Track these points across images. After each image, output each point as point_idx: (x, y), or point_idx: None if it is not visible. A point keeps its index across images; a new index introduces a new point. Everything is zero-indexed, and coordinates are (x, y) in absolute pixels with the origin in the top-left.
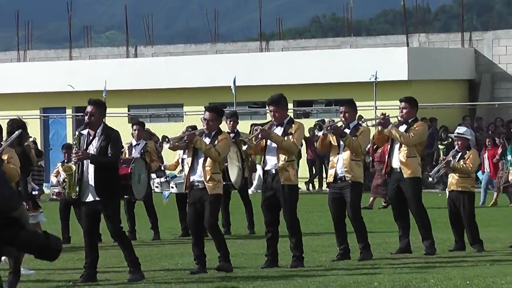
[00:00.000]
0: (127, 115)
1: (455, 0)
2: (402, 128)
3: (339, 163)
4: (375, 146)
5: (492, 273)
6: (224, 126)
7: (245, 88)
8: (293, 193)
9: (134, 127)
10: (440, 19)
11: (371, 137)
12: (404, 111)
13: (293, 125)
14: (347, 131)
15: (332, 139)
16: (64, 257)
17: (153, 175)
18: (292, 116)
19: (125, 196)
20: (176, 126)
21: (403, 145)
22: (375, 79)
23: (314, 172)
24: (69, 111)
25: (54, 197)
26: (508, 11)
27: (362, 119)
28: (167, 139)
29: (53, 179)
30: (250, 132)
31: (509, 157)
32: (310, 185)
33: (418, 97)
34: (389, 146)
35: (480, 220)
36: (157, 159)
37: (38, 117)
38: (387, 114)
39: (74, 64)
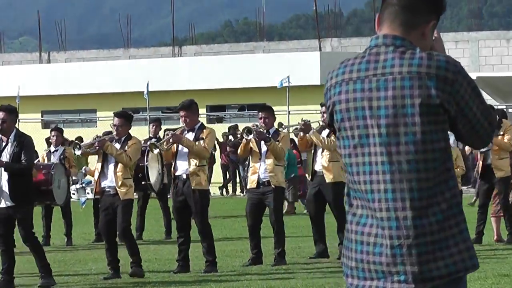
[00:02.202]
0: (40, 120)
1: (367, 4)
2: (325, 132)
3: (262, 168)
4: None
5: None
6: (146, 131)
7: (158, 93)
8: (204, 197)
9: (53, 133)
10: (352, 23)
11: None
12: (325, 115)
13: (204, 130)
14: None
15: (253, 145)
16: None
17: None
18: (205, 121)
19: (47, 202)
20: (90, 131)
21: (325, 150)
22: (288, 83)
23: (228, 177)
24: None
25: None
26: None
27: (283, 126)
28: (78, 146)
29: None
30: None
31: None
32: (224, 190)
33: None
34: (313, 151)
35: None
36: (75, 165)
37: None
38: (307, 120)
39: None
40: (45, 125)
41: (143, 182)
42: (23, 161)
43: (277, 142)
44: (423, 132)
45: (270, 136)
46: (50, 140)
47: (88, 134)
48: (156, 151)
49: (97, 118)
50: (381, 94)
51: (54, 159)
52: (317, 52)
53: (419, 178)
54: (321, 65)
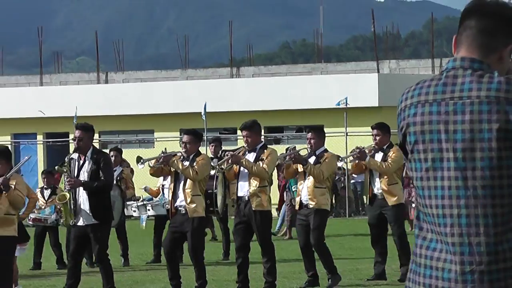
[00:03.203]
0: (98, 141)
1: (425, 26)
2: (379, 156)
3: (304, 190)
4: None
5: None
6: (203, 152)
7: (215, 114)
8: (266, 218)
9: (111, 153)
10: (410, 45)
11: (340, 164)
12: (377, 138)
13: (265, 150)
14: (313, 158)
15: (299, 166)
16: (34, 283)
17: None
18: None
19: None
20: (147, 152)
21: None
22: (346, 105)
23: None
24: (40, 137)
25: (30, 223)
26: None
27: (340, 158)
28: (142, 160)
29: None
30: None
31: (293, 188)
32: None
33: (389, 123)
34: (364, 175)
35: None
36: (132, 186)
37: (9, 143)
38: (362, 147)
39: (45, 90)
40: (103, 145)
41: (211, 209)
42: (102, 178)
43: (319, 164)
44: (499, 157)
45: (315, 157)
46: None
47: (145, 155)
48: (212, 172)
49: (155, 139)
50: (458, 118)
51: None
52: (375, 73)
53: (494, 204)
54: (379, 86)
